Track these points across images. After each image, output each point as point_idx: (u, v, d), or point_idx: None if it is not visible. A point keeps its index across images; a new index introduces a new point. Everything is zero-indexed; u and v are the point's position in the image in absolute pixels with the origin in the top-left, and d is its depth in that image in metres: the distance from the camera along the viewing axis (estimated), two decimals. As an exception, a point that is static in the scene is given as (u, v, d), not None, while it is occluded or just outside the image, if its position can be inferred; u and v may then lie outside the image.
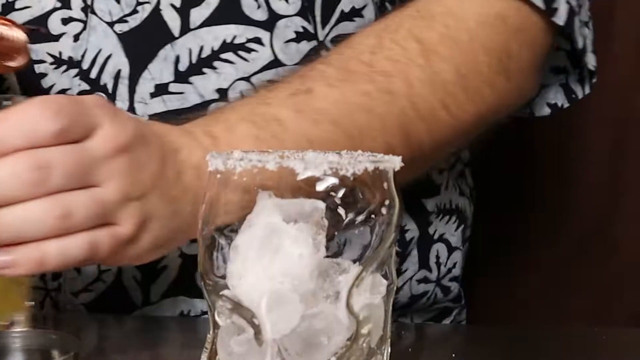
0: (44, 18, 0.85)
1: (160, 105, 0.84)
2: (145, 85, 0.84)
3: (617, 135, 1.22)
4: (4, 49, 0.66)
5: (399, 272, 0.91)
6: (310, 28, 0.85)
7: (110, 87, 0.84)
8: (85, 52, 0.84)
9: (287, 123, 0.74)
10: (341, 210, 0.53)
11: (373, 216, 0.53)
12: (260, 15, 0.84)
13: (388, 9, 0.88)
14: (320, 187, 0.52)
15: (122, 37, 0.84)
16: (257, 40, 0.84)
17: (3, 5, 0.85)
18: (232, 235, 0.53)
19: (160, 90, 0.84)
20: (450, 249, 0.96)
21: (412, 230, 0.92)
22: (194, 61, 0.84)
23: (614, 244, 1.23)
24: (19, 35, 0.66)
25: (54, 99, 0.63)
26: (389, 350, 0.56)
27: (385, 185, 0.54)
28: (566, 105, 0.92)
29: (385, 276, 0.55)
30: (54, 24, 0.85)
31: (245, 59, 0.84)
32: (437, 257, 0.94)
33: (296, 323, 0.52)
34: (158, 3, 0.84)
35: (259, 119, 0.74)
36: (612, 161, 1.21)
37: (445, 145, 0.82)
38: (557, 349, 0.76)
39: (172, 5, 0.84)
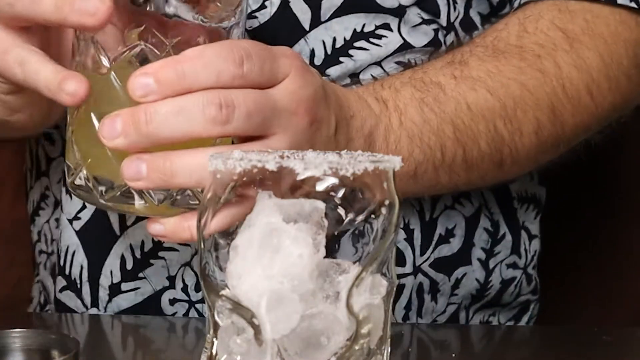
0: None
1: None
2: None
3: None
4: None
5: (491, 254, 0.92)
6: (425, 16, 0.86)
7: None
8: None
9: (446, 88, 0.78)
10: (341, 210, 0.53)
11: (373, 216, 0.53)
12: (391, 2, 0.84)
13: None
14: (320, 187, 0.52)
15: (252, 33, 0.83)
16: (386, 26, 0.84)
17: None
18: (231, 235, 0.53)
19: None
20: (531, 237, 0.96)
21: (496, 214, 0.92)
22: (329, 52, 0.83)
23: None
24: None
25: (243, 43, 0.64)
26: (389, 350, 0.56)
27: (385, 185, 0.54)
28: None
29: (385, 276, 0.55)
30: None
31: (377, 45, 0.84)
32: (524, 243, 0.95)
33: (296, 323, 0.52)
34: None
35: (419, 84, 0.77)
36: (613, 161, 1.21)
37: (583, 130, 0.86)
38: (557, 349, 0.76)
39: None
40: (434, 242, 0.87)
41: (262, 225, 0.52)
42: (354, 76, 0.84)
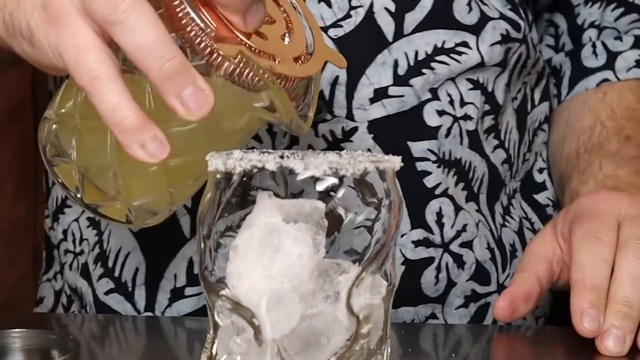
0: None
1: (380, 110, 0.82)
2: (364, 90, 0.82)
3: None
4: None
5: None
6: (511, 30, 0.86)
7: (327, 94, 0.81)
8: None
9: None
10: (341, 210, 0.53)
11: (373, 216, 0.53)
12: (470, 19, 0.84)
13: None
14: (320, 187, 0.52)
15: (337, 42, 0.81)
16: (465, 44, 0.84)
17: None
18: (232, 235, 0.53)
19: (380, 94, 0.82)
20: None
21: (537, 223, 0.93)
22: (411, 64, 0.83)
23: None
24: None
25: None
26: (389, 350, 0.56)
27: (385, 185, 0.54)
28: None
29: (385, 276, 0.55)
30: None
31: (457, 61, 0.84)
32: None
33: (296, 323, 0.52)
34: (371, 6, 0.82)
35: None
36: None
37: None
38: (558, 349, 0.76)
39: (387, 9, 0.82)
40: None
41: (262, 225, 0.52)
42: (433, 91, 0.84)
